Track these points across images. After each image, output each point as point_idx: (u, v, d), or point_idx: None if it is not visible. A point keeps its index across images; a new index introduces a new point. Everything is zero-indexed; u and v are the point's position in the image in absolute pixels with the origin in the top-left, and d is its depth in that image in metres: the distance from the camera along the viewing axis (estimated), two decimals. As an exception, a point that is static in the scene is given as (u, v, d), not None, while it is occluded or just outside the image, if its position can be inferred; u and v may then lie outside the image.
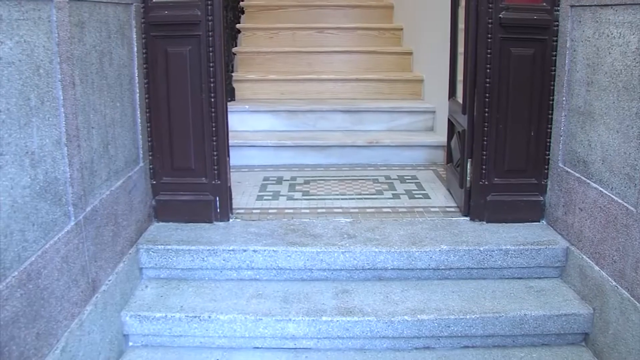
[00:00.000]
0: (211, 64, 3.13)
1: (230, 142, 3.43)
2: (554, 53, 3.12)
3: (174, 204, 3.30)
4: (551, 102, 3.17)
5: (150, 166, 3.25)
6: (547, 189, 3.26)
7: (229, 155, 3.35)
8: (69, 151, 2.24)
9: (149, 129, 3.20)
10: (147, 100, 3.16)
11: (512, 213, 3.30)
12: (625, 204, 2.48)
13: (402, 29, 6.14)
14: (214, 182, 3.27)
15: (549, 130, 3.20)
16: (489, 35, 3.13)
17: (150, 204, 3.26)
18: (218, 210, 3.31)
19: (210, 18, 3.08)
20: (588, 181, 2.80)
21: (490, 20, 3.11)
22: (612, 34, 2.58)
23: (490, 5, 3.10)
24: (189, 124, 3.19)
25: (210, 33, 3.10)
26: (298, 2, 6.44)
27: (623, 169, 2.50)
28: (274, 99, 5.45)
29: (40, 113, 2.03)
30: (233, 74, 5.47)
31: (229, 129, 3.37)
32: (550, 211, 3.24)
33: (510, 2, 3.10)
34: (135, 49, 3.02)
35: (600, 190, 2.68)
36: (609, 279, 2.59)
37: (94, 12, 2.52)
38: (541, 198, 3.29)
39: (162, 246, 3.03)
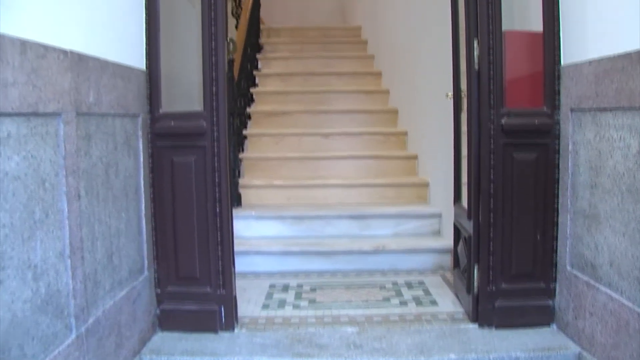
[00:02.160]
0: (217, 174, 3.15)
1: (236, 248, 3.41)
2: (557, 156, 3.14)
3: (179, 314, 3.25)
4: (556, 205, 3.16)
5: (155, 275, 3.23)
6: (556, 292, 3.21)
7: (234, 265, 3.33)
8: (73, 263, 2.23)
9: (154, 238, 3.20)
10: (152, 210, 3.18)
11: (521, 318, 3.23)
12: (636, 309, 2.43)
13: (406, 133, 6.23)
14: (219, 291, 3.24)
15: (555, 233, 3.18)
16: (492, 141, 3.16)
17: (155, 313, 3.22)
18: (223, 320, 3.26)
19: (215, 129, 3.13)
20: (597, 285, 2.76)
21: (492, 127, 3.15)
22: (612, 137, 2.61)
23: (492, 112, 3.15)
24: (194, 233, 3.19)
25: (216, 143, 3.14)
26: (304, 107, 6.59)
27: (632, 273, 2.46)
28: (280, 204, 5.46)
29: (44, 226, 2.03)
30: (240, 180, 5.51)
31: (235, 235, 3.37)
32: (560, 315, 3.18)
33: (511, 107, 3.16)
34: (142, 158, 3.06)
35: (610, 294, 2.64)
36: (625, 387, 2.51)
37: (101, 124, 2.57)
38: (550, 302, 3.23)
39: (166, 357, 2.97)
